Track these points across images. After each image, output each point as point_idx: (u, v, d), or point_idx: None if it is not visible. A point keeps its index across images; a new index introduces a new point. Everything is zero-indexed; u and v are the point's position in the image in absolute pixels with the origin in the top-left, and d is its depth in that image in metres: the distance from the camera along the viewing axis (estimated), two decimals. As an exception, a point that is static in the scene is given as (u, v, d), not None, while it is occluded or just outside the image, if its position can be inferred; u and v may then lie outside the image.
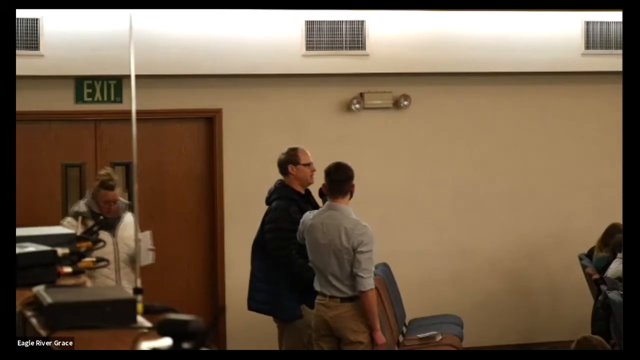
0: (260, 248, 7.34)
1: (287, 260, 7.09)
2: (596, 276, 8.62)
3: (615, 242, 8.66)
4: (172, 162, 9.33)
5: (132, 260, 7.35)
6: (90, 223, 6.78)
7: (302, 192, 7.31)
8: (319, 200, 7.33)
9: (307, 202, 7.26)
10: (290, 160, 7.30)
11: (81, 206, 7.40)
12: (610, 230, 8.96)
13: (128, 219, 7.50)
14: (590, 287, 8.97)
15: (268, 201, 7.40)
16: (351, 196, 6.74)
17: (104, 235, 6.96)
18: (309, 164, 7.29)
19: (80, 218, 7.04)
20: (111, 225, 7.38)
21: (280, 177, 7.42)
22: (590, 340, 5.96)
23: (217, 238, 9.33)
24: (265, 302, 7.32)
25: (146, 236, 7.37)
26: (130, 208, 7.51)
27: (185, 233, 9.35)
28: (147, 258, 7.31)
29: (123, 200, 7.54)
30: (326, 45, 9.16)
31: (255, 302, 7.42)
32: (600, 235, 9.12)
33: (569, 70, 9.87)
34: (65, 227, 6.19)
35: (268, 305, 7.33)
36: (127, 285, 7.08)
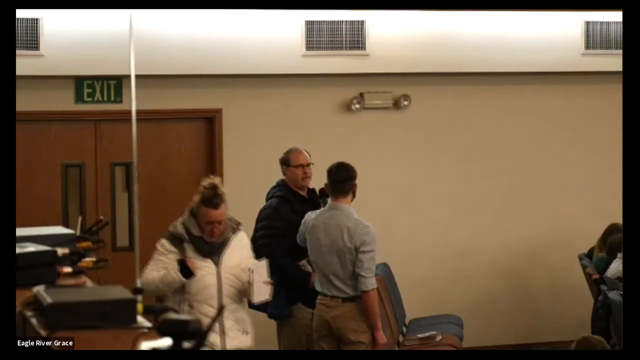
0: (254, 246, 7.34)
1: (273, 259, 7.07)
2: (596, 276, 8.62)
3: (614, 243, 8.66)
4: (172, 162, 9.33)
5: (241, 296, 6.14)
6: (189, 250, 6.05)
7: (300, 192, 7.30)
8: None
9: (306, 203, 7.24)
10: (283, 161, 7.32)
11: (177, 227, 6.10)
12: (610, 231, 8.96)
13: (237, 242, 6.16)
14: (590, 287, 8.97)
15: (267, 199, 7.42)
16: (354, 196, 6.74)
17: (205, 262, 6.06)
18: (299, 166, 7.25)
19: (175, 242, 6.07)
20: (214, 250, 6.08)
21: (282, 176, 7.43)
22: (590, 340, 5.96)
23: (217, 238, 9.31)
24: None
25: (261, 267, 6.07)
26: (233, 226, 6.22)
27: (185, 233, 9.33)
28: (261, 293, 6.04)
29: (231, 218, 6.18)
30: (326, 45, 9.16)
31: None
32: (600, 235, 9.11)
33: (569, 70, 9.87)
34: (161, 253, 6.05)
35: (263, 304, 7.33)
36: (235, 331, 6.11)
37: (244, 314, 6.19)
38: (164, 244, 6.09)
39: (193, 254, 6.05)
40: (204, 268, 6.03)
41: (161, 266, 6.01)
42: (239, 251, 6.15)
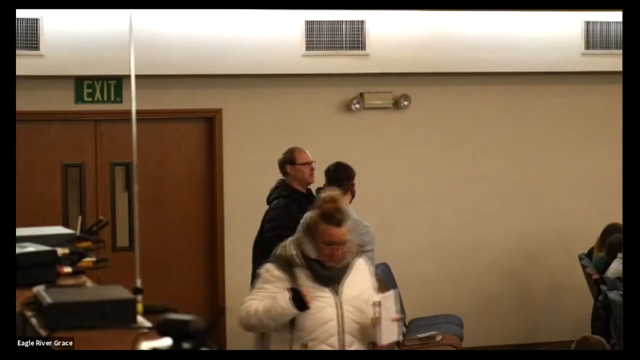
0: (261, 247, 7.34)
1: None
2: (596, 276, 8.62)
3: (613, 243, 8.65)
4: (172, 162, 9.33)
5: (364, 334, 5.06)
6: (303, 276, 4.97)
7: (303, 191, 7.32)
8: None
9: (309, 202, 7.26)
10: (287, 160, 7.32)
11: (289, 247, 5.06)
12: (608, 231, 8.95)
13: (358, 268, 5.15)
14: (590, 287, 8.97)
15: (269, 200, 7.41)
16: (353, 196, 6.73)
17: (322, 292, 4.98)
18: (306, 163, 7.29)
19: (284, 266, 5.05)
20: (334, 277, 5.03)
21: (281, 176, 7.43)
22: (590, 340, 5.96)
23: (217, 238, 9.33)
24: None
25: (389, 299, 5.09)
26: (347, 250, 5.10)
27: (185, 233, 9.35)
28: (390, 332, 5.02)
29: (354, 240, 5.15)
30: (326, 45, 9.16)
31: None
32: (599, 235, 9.11)
33: (569, 70, 9.87)
34: (267, 280, 4.98)
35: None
36: None
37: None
38: (269, 269, 5.03)
39: (308, 281, 4.98)
40: (321, 299, 4.97)
41: (266, 295, 4.97)
42: (361, 279, 5.12)
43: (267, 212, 7.36)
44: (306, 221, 5.09)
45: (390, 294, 5.10)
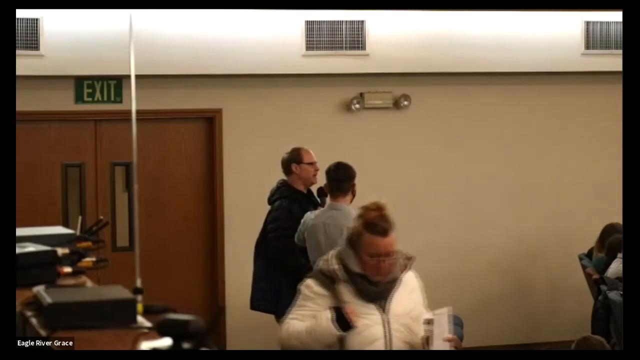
0: (263, 248, 7.35)
1: (289, 260, 7.10)
2: (596, 276, 8.62)
3: (613, 243, 8.65)
4: (172, 162, 9.33)
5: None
6: (347, 292, 4.56)
7: (305, 191, 7.33)
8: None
9: (310, 202, 7.28)
10: (293, 159, 7.33)
11: (331, 261, 4.64)
12: (608, 231, 8.95)
13: (408, 282, 4.76)
14: (590, 287, 8.97)
15: (270, 201, 7.41)
16: (353, 196, 6.74)
17: (368, 309, 4.58)
18: (312, 163, 7.33)
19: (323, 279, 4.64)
20: (381, 293, 4.63)
21: (282, 176, 7.44)
22: (590, 340, 5.96)
23: (217, 238, 9.33)
24: (268, 301, 7.34)
25: (442, 317, 4.65)
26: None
27: (185, 233, 9.35)
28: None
29: (400, 251, 4.73)
30: (326, 45, 9.16)
31: (258, 301, 7.44)
32: (599, 235, 9.11)
33: (569, 70, 9.87)
34: (307, 297, 4.61)
35: (270, 305, 7.34)
36: None
37: None
38: (310, 285, 4.63)
39: (352, 297, 4.58)
40: (368, 317, 4.58)
41: (307, 314, 4.60)
42: (409, 294, 4.72)
43: (269, 213, 7.36)
44: (349, 232, 4.63)
45: (444, 311, 4.63)
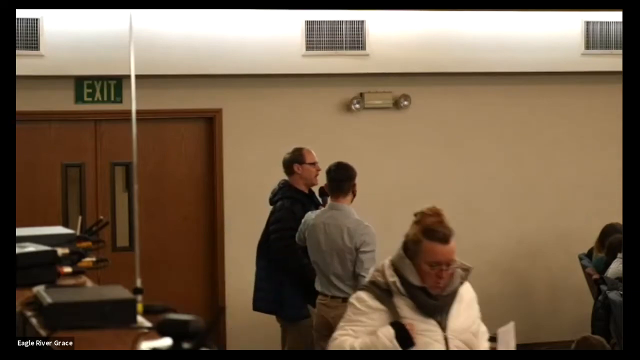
0: (265, 248, 7.35)
1: (291, 260, 7.10)
2: (596, 276, 8.62)
3: (613, 243, 8.65)
4: (172, 162, 9.33)
5: None
6: (404, 306, 4.22)
7: (306, 191, 7.34)
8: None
9: (312, 202, 7.29)
10: (295, 159, 7.33)
11: (387, 272, 4.28)
12: (607, 231, 8.95)
13: (464, 294, 4.42)
14: (590, 287, 8.97)
15: (272, 201, 7.41)
16: (354, 196, 6.75)
17: (427, 325, 4.25)
18: (314, 163, 7.33)
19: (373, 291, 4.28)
20: (440, 307, 4.29)
21: (282, 176, 7.43)
22: (590, 340, 5.97)
23: (217, 238, 9.33)
24: (270, 301, 7.34)
25: (508, 333, 4.48)
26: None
27: (185, 233, 9.35)
28: None
29: (459, 261, 4.46)
30: (326, 45, 9.16)
31: (260, 302, 7.44)
32: (598, 235, 9.11)
33: (569, 70, 9.87)
34: (360, 311, 4.24)
35: (272, 305, 7.34)
36: None
37: None
38: (363, 298, 4.26)
39: (410, 312, 4.25)
40: (427, 333, 4.26)
41: (361, 330, 4.22)
42: (467, 308, 4.40)
43: (272, 213, 7.36)
44: (405, 239, 4.33)
45: (511, 327, 4.40)
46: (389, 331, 4.17)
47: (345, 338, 4.22)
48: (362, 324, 4.22)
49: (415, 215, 4.35)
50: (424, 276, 4.21)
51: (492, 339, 4.38)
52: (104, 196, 9.19)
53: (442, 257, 4.22)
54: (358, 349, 4.18)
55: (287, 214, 7.18)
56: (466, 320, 4.34)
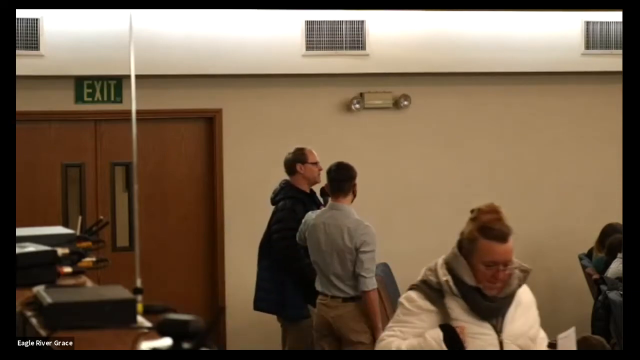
0: (267, 248, 7.35)
1: (293, 260, 7.10)
2: (596, 276, 8.62)
3: (613, 243, 8.65)
4: (172, 162, 9.33)
5: None
6: (456, 308, 3.99)
7: (308, 191, 7.34)
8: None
9: (313, 202, 7.29)
10: (298, 159, 7.34)
11: (440, 271, 4.08)
12: (607, 231, 8.95)
13: (522, 297, 4.22)
14: (590, 287, 8.97)
15: (273, 201, 7.42)
16: (354, 196, 6.75)
17: (481, 328, 4.02)
18: (316, 163, 7.34)
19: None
20: (497, 309, 4.06)
21: (282, 176, 7.44)
22: (590, 340, 5.96)
23: (217, 238, 9.33)
24: (271, 301, 7.35)
25: (569, 339, 4.28)
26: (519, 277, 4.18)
27: (185, 233, 9.35)
28: None
29: (517, 261, 4.14)
30: (326, 45, 9.16)
31: (261, 302, 7.44)
32: (598, 235, 9.11)
33: (569, 70, 9.87)
34: (409, 312, 4.03)
35: (274, 305, 7.35)
36: None
37: None
38: (413, 298, 4.06)
39: (463, 314, 4.01)
40: (481, 337, 4.02)
41: (409, 331, 4.00)
42: (525, 312, 4.17)
43: (273, 213, 7.37)
44: (460, 237, 4.14)
45: (571, 332, 4.21)
46: (437, 333, 3.96)
47: (392, 339, 4.02)
48: (411, 325, 4.02)
49: (472, 211, 4.14)
50: (479, 276, 3.98)
51: (552, 344, 4.22)
52: (104, 196, 9.19)
53: (499, 256, 3.97)
54: (405, 350, 3.98)
55: (288, 213, 7.19)
56: (523, 325, 4.12)
